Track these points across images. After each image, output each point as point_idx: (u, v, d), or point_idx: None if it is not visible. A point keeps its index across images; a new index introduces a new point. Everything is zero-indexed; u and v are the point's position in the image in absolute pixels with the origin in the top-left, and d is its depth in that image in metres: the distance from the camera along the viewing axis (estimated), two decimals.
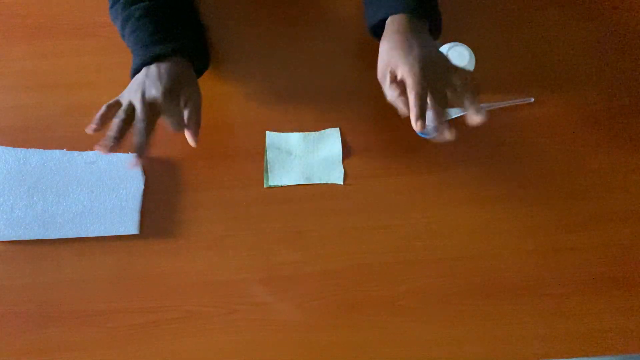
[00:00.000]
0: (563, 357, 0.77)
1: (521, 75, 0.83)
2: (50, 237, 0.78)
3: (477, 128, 0.81)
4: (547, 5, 0.85)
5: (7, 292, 0.78)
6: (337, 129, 0.82)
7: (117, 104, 0.70)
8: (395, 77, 0.68)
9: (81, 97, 0.83)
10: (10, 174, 0.79)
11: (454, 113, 0.80)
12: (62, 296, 0.78)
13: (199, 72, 0.79)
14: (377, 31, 0.74)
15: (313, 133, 0.82)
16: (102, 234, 0.78)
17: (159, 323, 0.78)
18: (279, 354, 0.77)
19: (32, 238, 0.78)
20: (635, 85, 0.83)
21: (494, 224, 0.80)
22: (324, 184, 0.81)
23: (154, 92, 0.69)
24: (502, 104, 0.81)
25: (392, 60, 0.68)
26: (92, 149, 0.80)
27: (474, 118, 0.67)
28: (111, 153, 0.67)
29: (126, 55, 0.82)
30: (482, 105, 0.81)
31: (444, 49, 0.77)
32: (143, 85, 0.70)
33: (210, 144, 0.81)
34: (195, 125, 0.73)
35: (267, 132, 0.82)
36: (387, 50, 0.70)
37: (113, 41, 0.84)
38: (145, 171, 0.81)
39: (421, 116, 0.65)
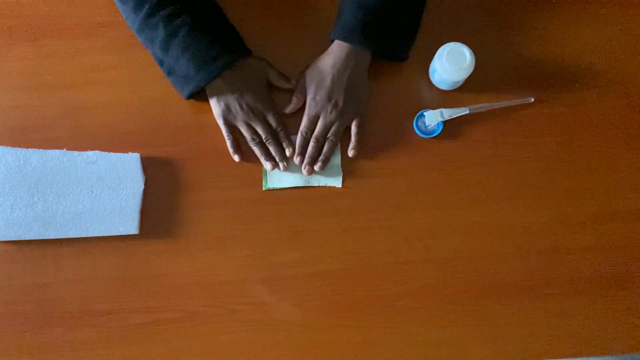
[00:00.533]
0: (563, 357, 0.77)
1: (521, 75, 0.83)
2: (50, 237, 0.78)
3: (477, 128, 0.82)
4: (547, 5, 0.85)
5: (7, 292, 0.78)
6: None
7: (231, 129, 0.80)
8: (304, 88, 0.80)
9: (81, 97, 0.83)
10: (10, 174, 0.79)
11: (454, 113, 0.80)
12: (62, 296, 0.78)
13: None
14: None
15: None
16: (102, 234, 0.78)
17: (159, 323, 0.78)
18: (279, 354, 0.77)
19: (32, 238, 0.78)
20: (635, 85, 0.83)
21: (493, 224, 0.80)
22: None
23: (256, 102, 0.78)
24: (502, 104, 0.81)
25: (310, 76, 0.80)
26: (92, 149, 0.80)
27: (316, 166, 0.80)
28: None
29: (126, 55, 0.83)
30: (482, 105, 0.81)
31: (444, 49, 0.77)
32: (243, 102, 0.78)
33: (210, 144, 0.81)
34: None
35: None
36: (317, 64, 0.80)
37: (113, 41, 0.84)
38: (145, 171, 0.81)
39: (300, 153, 0.80)
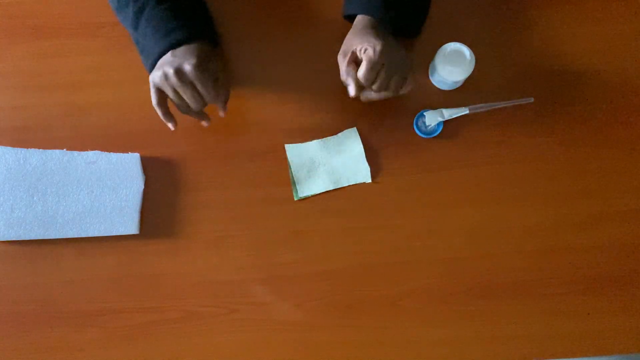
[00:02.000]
0: (563, 357, 0.77)
1: (521, 75, 0.83)
2: (50, 237, 0.78)
3: (477, 128, 0.82)
4: (547, 5, 0.85)
5: (7, 292, 0.78)
6: (354, 128, 0.82)
7: (162, 94, 0.73)
8: (356, 57, 0.73)
9: (81, 97, 0.83)
10: (10, 174, 0.79)
11: (454, 113, 0.80)
12: (62, 296, 0.78)
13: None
14: (351, 18, 0.79)
15: (332, 137, 0.82)
16: (102, 234, 0.78)
17: (159, 323, 0.78)
18: (279, 354, 0.77)
19: (32, 238, 0.78)
20: (635, 85, 0.83)
21: (493, 224, 0.80)
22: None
23: (187, 66, 0.71)
24: (502, 104, 0.81)
25: (357, 41, 0.73)
26: (92, 149, 0.80)
27: (371, 95, 0.75)
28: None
29: (126, 55, 0.83)
30: (482, 105, 0.81)
31: (444, 49, 0.77)
32: (174, 64, 0.71)
33: (210, 144, 0.81)
34: (226, 95, 0.77)
35: (286, 145, 0.81)
36: (354, 36, 0.75)
37: (113, 41, 0.84)
38: (145, 171, 0.81)
39: (361, 84, 0.73)
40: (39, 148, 0.80)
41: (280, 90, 0.83)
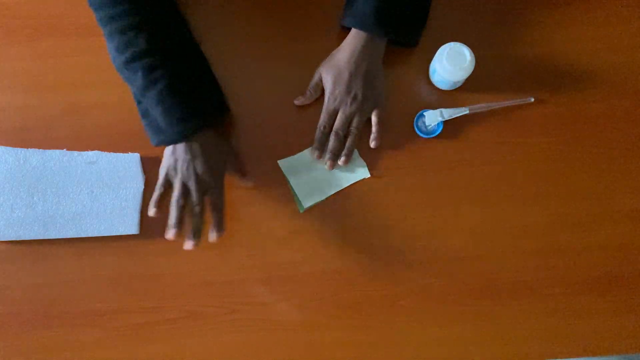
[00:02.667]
0: (563, 357, 0.77)
1: (521, 75, 0.83)
2: (50, 237, 0.78)
3: (477, 128, 0.82)
4: (547, 5, 0.85)
5: (7, 292, 0.78)
6: None
7: (167, 184, 0.73)
8: (319, 82, 0.81)
9: (81, 97, 0.83)
10: (10, 174, 0.79)
11: (454, 113, 0.80)
12: (62, 296, 0.78)
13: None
14: (347, 29, 0.81)
15: None
16: (102, 234, 0.78)
17: (159, 323, 0.78)
18: (279, 354, 0.77)
19: (32, 238, 0.78)
20: (635, 85, 0.83)
21: (494, 224, 0.80)
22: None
23: (204, 172, 0.72)
24: (502, 104, 0.81)
25: (328, 70, 0.80)
26: (92, 149, 0.80)
27: (340, 161, 0.79)
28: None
29: None
30: (482, 105, 0.81)
31: (444, 49, 0.77)
32: (191, 166, 0.72)
33: None
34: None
35: (279, 162, 0.81)
36: (333, 58, 0.80)
37: None
38: (145, 171, 0.80)
39: (317, 147, 0.79)
40: (39, 148, 0.80)
41: (275, 94, 0.83)
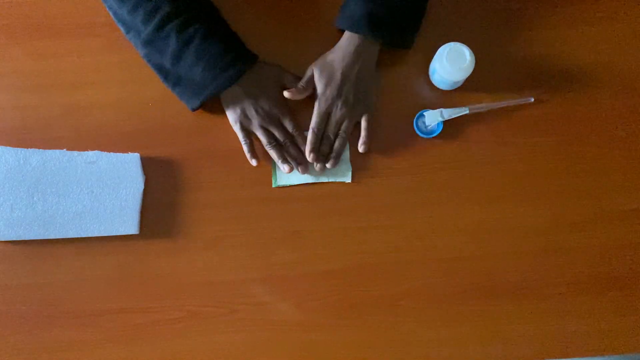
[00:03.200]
0: (563, 357, 0.77)
1: (521, 75, 0.83)
2: (50, 237, 0.78)
3: (477, 128, 0.82)
4: (547, 5, 0.85)
5: (7, 292, 0.78)
6: None
7: (247, 134, 0.79)
8: (312, 78, 0.80)
9: (81, 97, 0.83)
10: (10, 174, 0.79)
11: (454, 113, 0.80)
12: (62, 296, 0.78)
13: None
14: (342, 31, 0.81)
15: None
16: (102, 234, 0.78)
17: (159, 323, 0.78)
18: (279, 354, 0.77)
19: (32, 238, 0.78)
20: (635, 84, 0.83)
21: (494, 224, 0.80)
22: (324, 183, 0.81)
23: (271, 107, 0.79)
24: (502, 104, 0.81)
25: (321, 70, 0.79)
26: (92, 149, 0.80)
27: (329, 163, 0.80)
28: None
29: (126, 55, 0.82)
30: (482, 105, 0.81)
31: (444, 49, 0.77)
32: (258, 107, 0.78)
33: (211, 144, 0.81)
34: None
35: None
36: (326, 58, 0.80)
37: (113, 41, 0.83)
38: (145, 171, 0.81)
39: (312, 150, 0.79)
40: (39, 148, 0.80)
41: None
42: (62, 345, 0.77)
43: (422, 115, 0.81)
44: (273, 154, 0.79)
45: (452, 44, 0.77)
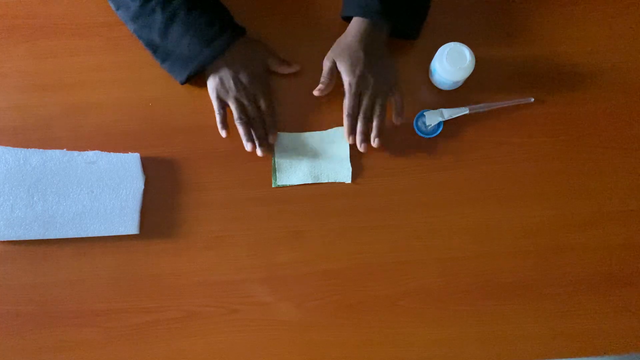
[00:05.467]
0: (563, 357, 0.77)
1: (521, 75, 0.83)
2: (50, 237, 0.78)
3: (477, 128, 0.82)
4: (547, 5, 0.85)
5: (7, 292, 0.78)
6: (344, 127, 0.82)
7: (222, 104, 0.79)
8: (335, 67, 0.80)
9: (81, 97, 0.83)
10: (10, 174, 0.79)
11: (454, 113, 0.80)
12: (62, 296, 0.78)
13: None
14: (348, 19, 0.81)
15: (321, 132, 0.82)
16: (102, 234, 0.78)
17: (159, 323, 0.78)
18: (279, 354, 0.77)
19: (32, 238, 0.78)
20: (635, 84, 0.83)
21: (493, 224, 0.80)
22: (324, 184, 0.81)
23: (250, 82, 0.79)
24: (502, 104, 0.81)
25: (341, 55, 0.79)
26: (92, 149, 0.80)
27: (374, 143, 0.79)
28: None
29: (126, 55, 0.83)
30: (482, 105, 0.81)
31: (444, 48, 0.77)
32: (237, 80, 0.78)
33: (210, 144, 0.81)
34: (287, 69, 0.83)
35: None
36: (342, 44, 0.80)
37: (113, 41, 0.84)
38: (145, 171, 0.81)
39: (352, 132, 0.79)
40: (39, 148, 0.80)
41: (278, 87, 0.83)
42: (62, 345, 0.77)
43: (422, 115, 0.81)
44: (240, 129, 0.79)
45: (452, 44, 0.77)
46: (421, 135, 0.81)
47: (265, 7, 0.85)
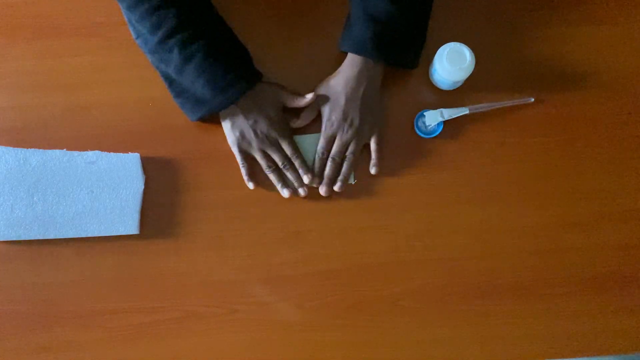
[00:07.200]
0: (563, 357, 0.77)
1: (521, 75, 0.83)
2: (50, 237, 0.78)
3: (477, 128, 0.82)
4: (547, 5, 0.85)
5: (7, 292, 0.78)
6: None
7: (246, 155, 0.79)
8: (317, 106, 0.80)
9: (81, 97, 0.83)
10: (10, 174, 0.79)
11: (454, 113, 0.80)
12: (62, 296, 0.78)
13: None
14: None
15: (316, 135, 0.82)
16: (102, 234, 0.78)
17: (159, 323, 0.78)
18: (279, 354, 0.77)
19: (32, 238, 0.78)
20: (635, 85, 0.83)
21: (494, 224, 0.80)
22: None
23: (270, 129, 0.78)
24: (502, 104, 0.81)
25: (324, 96, 0.79)
26: (92, 149, 0.80)
27: (336, 187, 0.79)
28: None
29: (126, 55, 0.83)
30: (482, 105, 0.81)
31: (444, 48, 0.77)
32: (258, 130, 0.77)
33: (211, 144, 0.81)
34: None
35: (296, 137, 0.81)
36: (328, 83, 0.80)
37: (113, 41, 0.84)
38: (145, 171, 0.81)
39: (317, 175, 0.80)
40: (39, 148, 0.80)
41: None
42: (62, 345, 0.77)
43: (422, 115, 0.81)
44: (273, 178, 0.79)
45: (452, 44, 0.77)
46: (421, 135, 0.81)
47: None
